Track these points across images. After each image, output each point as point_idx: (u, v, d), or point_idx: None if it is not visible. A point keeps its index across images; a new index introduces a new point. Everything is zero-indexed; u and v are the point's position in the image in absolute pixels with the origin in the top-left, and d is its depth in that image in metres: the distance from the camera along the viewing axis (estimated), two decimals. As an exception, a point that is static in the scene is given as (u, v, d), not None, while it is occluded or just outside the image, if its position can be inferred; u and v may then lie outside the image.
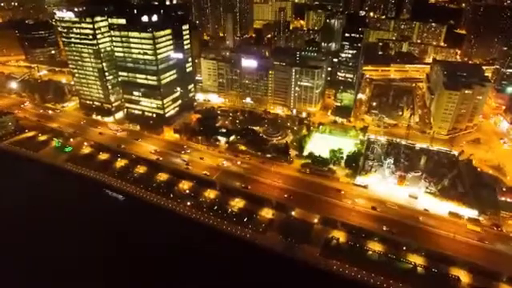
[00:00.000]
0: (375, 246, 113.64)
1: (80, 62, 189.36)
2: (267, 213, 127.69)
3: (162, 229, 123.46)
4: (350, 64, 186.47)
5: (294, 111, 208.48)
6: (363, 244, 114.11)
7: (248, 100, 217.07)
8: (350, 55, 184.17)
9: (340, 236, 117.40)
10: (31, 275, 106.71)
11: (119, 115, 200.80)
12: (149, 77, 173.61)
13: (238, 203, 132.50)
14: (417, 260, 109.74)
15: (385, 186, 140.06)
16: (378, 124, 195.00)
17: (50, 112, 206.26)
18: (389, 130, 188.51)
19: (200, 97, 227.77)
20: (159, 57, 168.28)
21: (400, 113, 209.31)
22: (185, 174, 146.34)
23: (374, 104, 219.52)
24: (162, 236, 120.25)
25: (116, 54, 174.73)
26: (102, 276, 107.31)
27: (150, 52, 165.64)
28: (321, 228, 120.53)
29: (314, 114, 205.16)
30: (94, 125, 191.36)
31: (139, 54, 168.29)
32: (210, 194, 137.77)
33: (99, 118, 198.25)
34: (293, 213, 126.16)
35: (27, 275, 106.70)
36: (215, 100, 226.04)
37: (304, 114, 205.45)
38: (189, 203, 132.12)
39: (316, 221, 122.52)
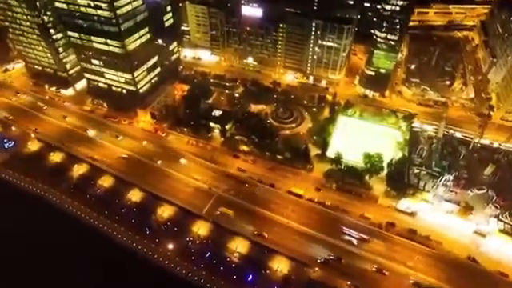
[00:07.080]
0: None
1: (10, 13, 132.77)
2: (280, 265, 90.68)
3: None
4: (397, 20, 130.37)
5: (311, 79, 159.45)
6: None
7: (250, 60, 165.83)
8: (398, 7, 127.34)
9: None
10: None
11: (81, 86, 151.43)
12: (109, 41, 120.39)
13: (239, 247, 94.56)
14: None
15: (439, 213, 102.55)
16: (421, 101, 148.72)
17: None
18: (435, 110, 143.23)
19: (188, 53, 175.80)
20: (120, 12, 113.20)
21: (448, 82, 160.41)
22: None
23: (413, 67, 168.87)
24: None
25: (56, 4, 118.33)
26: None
27: (104, 5, 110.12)
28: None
29: (338, 83, 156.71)
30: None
31: (89, 6, 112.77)
32: (201, 229, 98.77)
33: (53, 90, 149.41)
34: (316, 268, 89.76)
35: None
36: (207, 58, 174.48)
37: (324, 83, 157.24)
38: (171, 246, 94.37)
39: (349, 283, 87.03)
